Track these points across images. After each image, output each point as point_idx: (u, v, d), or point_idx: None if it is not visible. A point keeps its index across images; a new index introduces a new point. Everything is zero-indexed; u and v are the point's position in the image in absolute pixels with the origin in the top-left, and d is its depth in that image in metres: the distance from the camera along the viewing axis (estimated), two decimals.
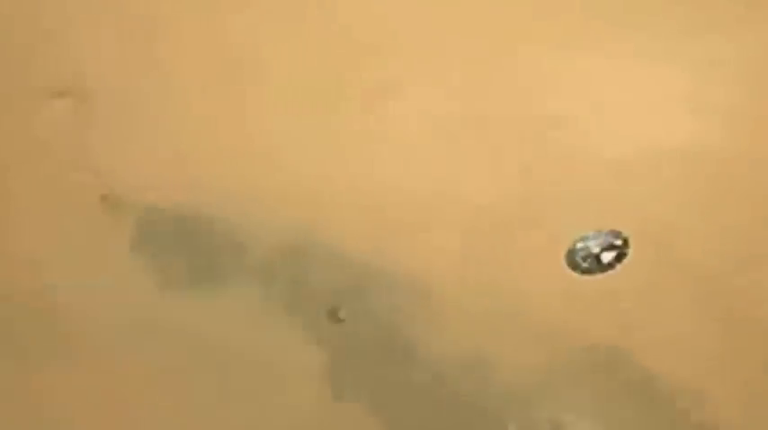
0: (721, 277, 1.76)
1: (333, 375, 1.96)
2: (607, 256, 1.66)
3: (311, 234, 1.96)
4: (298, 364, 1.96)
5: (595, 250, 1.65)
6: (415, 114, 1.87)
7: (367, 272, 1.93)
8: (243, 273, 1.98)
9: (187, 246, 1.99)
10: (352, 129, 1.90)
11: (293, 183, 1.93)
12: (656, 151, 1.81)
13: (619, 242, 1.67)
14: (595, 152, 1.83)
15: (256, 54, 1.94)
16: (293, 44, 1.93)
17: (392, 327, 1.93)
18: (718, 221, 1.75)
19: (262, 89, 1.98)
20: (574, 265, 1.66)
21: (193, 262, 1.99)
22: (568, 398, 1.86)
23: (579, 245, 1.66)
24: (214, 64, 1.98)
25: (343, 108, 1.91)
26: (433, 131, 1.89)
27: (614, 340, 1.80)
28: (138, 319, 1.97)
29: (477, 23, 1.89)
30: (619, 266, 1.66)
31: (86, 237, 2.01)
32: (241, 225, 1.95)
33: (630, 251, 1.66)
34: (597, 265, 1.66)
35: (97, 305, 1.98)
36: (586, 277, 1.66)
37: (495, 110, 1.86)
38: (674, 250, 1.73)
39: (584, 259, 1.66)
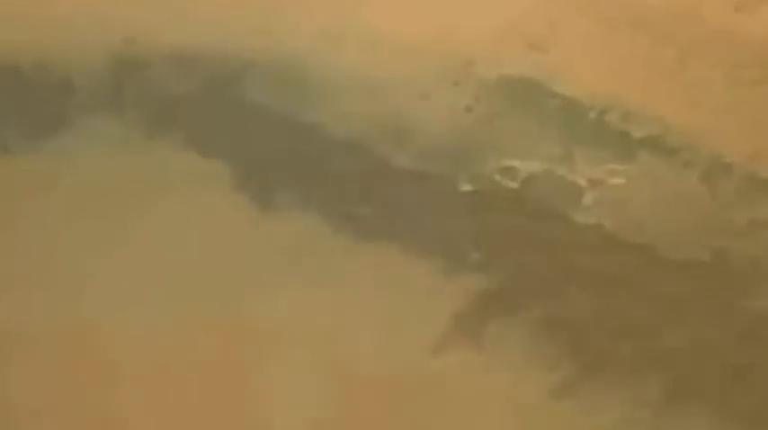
0: None
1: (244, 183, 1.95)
2: None
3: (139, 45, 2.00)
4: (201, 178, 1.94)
5: None
6: None
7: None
8: (87, 109, 2.01)
9: (15, 104, 2.04)
10: None
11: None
12: None
13: None
14: None
15: None
16: None
17: (287, 110, 1.95)
18: None
19: None
20: None
21: (30, 118, 2.04)
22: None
23: None
24: None
25: None
26: None
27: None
28: None
29: None
30: None
31: None
32: (59, 62, 2.00)
33: None
34: None
35: None
36: None
37: None
38: None
39: None
